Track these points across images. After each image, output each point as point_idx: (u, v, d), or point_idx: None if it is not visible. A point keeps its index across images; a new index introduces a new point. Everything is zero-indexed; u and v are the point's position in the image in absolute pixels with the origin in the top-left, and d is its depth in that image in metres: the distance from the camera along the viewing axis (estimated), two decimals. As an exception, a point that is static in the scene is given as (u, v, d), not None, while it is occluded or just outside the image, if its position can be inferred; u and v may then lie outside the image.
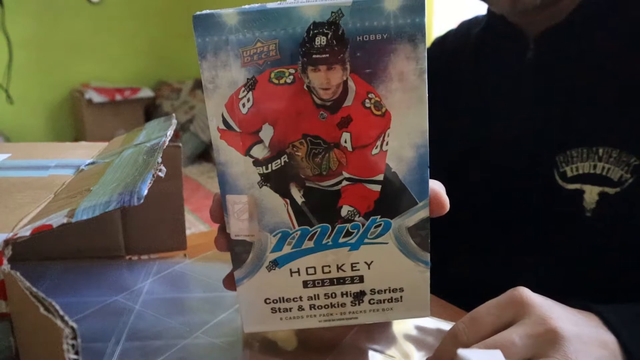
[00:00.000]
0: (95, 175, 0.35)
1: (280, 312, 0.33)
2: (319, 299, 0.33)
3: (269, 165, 0.30)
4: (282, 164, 0.30)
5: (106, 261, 0.50)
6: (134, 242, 0.51)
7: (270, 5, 0.27)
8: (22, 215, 0.30)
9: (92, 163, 0.40)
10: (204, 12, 0.27)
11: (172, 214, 0.51)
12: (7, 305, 0.27)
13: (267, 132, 0.29)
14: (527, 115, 0.51)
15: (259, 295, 0.33)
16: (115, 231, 0.51)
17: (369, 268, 0.32)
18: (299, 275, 0.32)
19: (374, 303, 0.33)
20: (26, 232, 0.26)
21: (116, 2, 3.06)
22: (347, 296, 0.33)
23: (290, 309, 0.33)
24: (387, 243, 0.31)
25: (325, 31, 0.27)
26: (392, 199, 0.30)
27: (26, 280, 0.23)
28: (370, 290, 0.33)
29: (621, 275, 0.46)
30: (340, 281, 0.33)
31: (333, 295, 0.33)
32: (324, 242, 0.31)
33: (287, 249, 0.32)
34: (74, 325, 0.21)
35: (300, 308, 0.33)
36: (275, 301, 0.33)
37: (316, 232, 0.31)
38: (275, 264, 0.32)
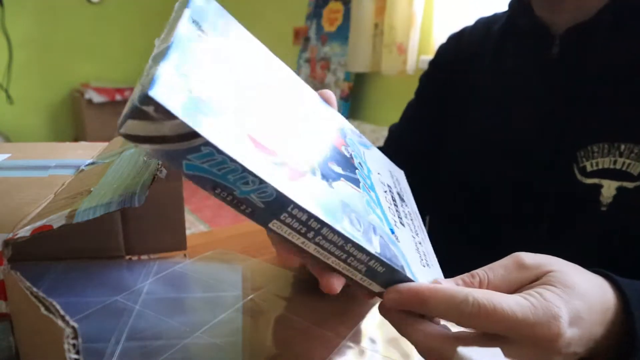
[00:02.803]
0: (96, 176, 0.35)
1: None
2: None
3: None
4: None
5: (106, 261, 0.50)
6: (134, 242, 0.51)
7: None
8: (22, 215, 0.30)
9: (92, 163, 0.40)
10: None
11: (172, 214, 0.51)
12: (7, 305, 0.27)
13: None
14: (549, 110, 0.51)
15: None
16: (115, 231, 0.51)
17: None
18: None
19: None
20: (26, 232, 0.26)
21: (116, 2, 3.06)
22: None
23: None
24: None
25: None
26: None
27: (26, 280, 0.23)
28: None
29: (634, 269, 0.46)
30: None
31: None
32: None
33: None
34: (75, 325, 0.21)
35: None
36: None
37: None
38: None
